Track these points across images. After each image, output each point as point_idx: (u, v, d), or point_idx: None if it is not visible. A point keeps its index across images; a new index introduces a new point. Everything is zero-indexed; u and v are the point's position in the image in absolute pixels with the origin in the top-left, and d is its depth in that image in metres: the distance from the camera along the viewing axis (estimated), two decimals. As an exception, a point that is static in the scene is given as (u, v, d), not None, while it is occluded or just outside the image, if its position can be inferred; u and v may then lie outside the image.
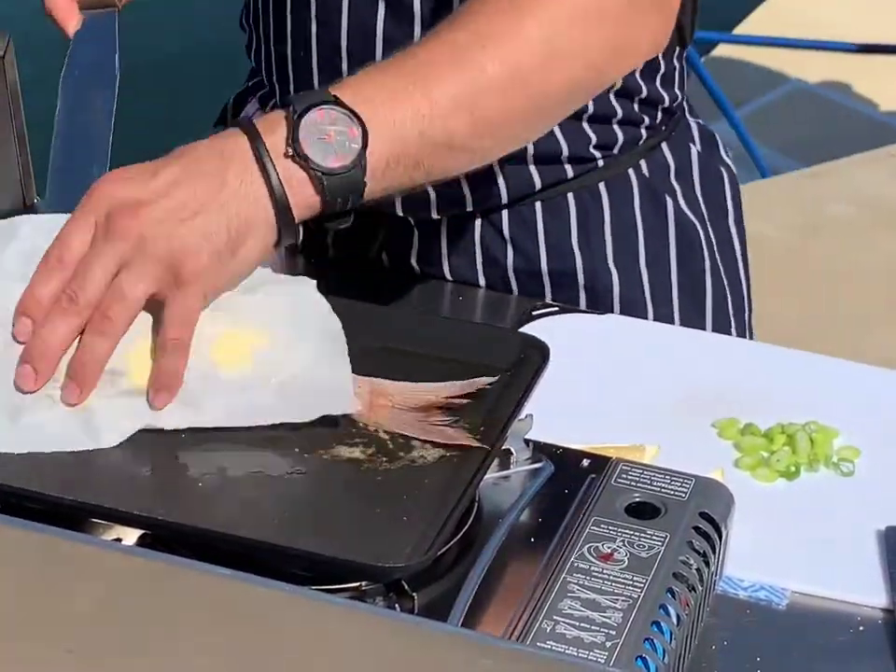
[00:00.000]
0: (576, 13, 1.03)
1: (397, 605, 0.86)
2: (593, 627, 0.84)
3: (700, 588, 0.89)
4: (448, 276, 1.30)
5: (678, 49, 1.27)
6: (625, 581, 0.87)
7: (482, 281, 1.30)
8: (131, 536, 0.89)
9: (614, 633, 0.84)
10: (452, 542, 0.89)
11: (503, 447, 0.96)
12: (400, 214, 1.28)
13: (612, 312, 1.29)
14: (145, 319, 0.93)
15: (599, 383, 1.16)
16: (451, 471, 0.92)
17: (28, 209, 1.36)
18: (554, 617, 0.85)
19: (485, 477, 0.93)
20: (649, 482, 0.95)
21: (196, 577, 0.79)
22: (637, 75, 1.25)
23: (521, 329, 1.18)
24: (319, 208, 0.96)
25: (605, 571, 0.88)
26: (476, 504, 0.93)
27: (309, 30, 1.24)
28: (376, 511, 0.89)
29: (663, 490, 0.94)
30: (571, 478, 0.96)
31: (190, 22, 3.84)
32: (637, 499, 0.94)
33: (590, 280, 1.29)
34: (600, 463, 0.97)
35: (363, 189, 0.96)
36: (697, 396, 1.15)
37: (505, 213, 1.28)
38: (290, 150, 0.94)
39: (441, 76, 1.00)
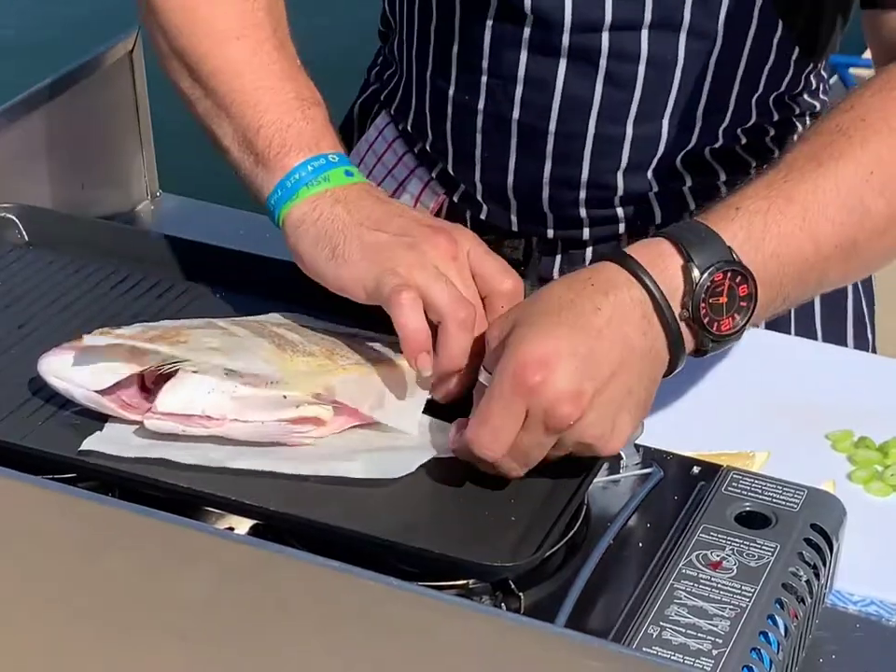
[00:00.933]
0: None
1: (503, 604, 0.86)
2: (699, 635, 0.84)
3: (809, 600, 0.89)
4: None
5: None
6: (734, 590, 0.87)
7: None
8: (243, 526, 0.90)
9: (721, 641, 0.83)
10: (560, 544, 0.89)
11: (613, 451, 0.96)
12: (550, 237, 1.29)
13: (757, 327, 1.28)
14: None
15: (712, 390, 1.16)
16: (560, 475, 0.92)
17: (152, 201, 1.39)
18: (661, 623, 0.85)
19: (595, 481, 0.93)
20: (760, 491, 0.94)
21: (308, 568, 0.80)
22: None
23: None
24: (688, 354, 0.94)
25: (713, 579, 0.87)
26: (585, 507, 0.93)
27: (479, 80, 1.24)
28: (485, 511, 0.90)
29: (774, 500, 0.93)
30: (681, 484, 0.96)
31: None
32: (748, 508, 0.93)
33: None
34: (711, 470, 0.97)
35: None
36: (811, 407, 1.14)
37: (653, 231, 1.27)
38: (686, 313, 0.91)
39: (829, 217, 0.96)
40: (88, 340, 0.94)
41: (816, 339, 1.31)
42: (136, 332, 0.95)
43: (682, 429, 1.05)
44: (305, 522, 0.87)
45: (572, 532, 0.90)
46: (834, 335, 1.32)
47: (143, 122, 1.36)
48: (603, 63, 1.20)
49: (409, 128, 1.33)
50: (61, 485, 0.86)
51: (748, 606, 0.86)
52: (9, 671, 0.91)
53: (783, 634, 0.85)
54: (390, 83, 1.35)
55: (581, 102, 1.21)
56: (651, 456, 0.98)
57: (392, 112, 1.35)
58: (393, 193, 1.36)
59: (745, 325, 0.94)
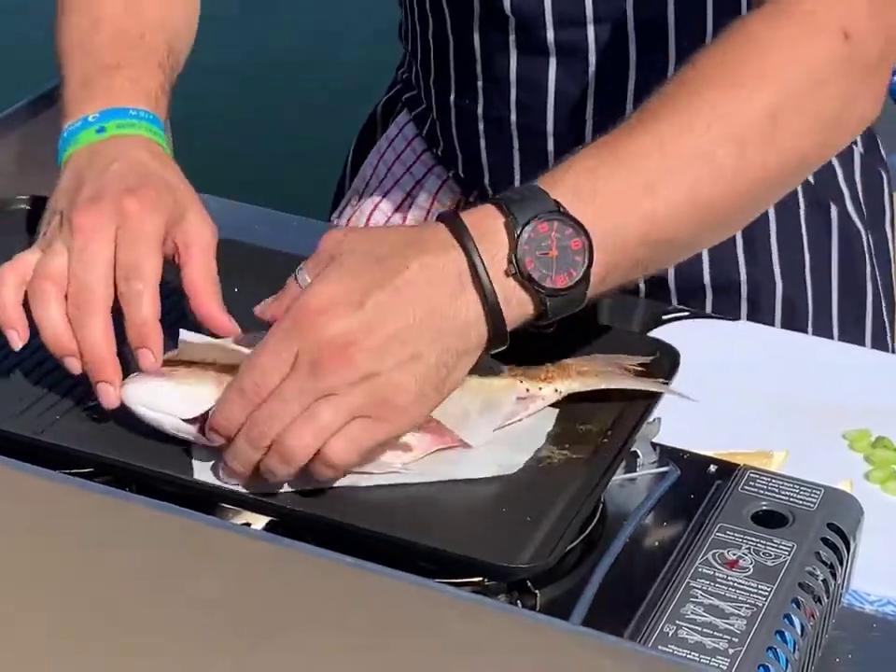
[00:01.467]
0: (798, 87, 0.95)
1: (519, 601, 0.86)
2: (715, 633, 0.84)
3: (826, 600, 0.88)
4: None
5: None
6: (750, 589, 0.86)
7: (642, 288, 1.29)
8: (259, 522, 0.90)
9: (737, 640, 0.83)
10: (576, 542, 0.89)
11: (630, 449, 0.96)
12: None
13: (773, 323, 1.28)
14: None
15: (728, 388, 1.15)
16: (577, 473, 0.92)
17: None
18: (677, 621, 0.84)
19: (611, 479, 0.93)
20: (777, 490, 0.94)
21: (324, 564, 0.80)
22: None
23: (650, 334, 1.18)
24: (533, 321, 0.89)
25: (729, 578, 0.87)
26: (601, 505, 0.93)
27: (475, 85, 1.25)
28: (502, 510, 0.90)
29: (791, 499, 0.93)
30: (697, 483, 0.96)
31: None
32: (765, 507, 0.93)
33: (753, 292, 1.28)
34: (727, 469, 0.96)
35: (584, 302, 0.89)
36: (829, 406, 1.14)
37: None
38: (512, 269, 0.87)
39: (669, 167, 0.91)
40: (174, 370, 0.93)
41: (833, 338, 1.31)
42: (219, 349, 0.93)
43: (699, 428, 1.05)
44: (321, 520, 0.88)
45: (588, 530, 0.90)
46: (853, 335, 1.31)
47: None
48: (592, 58, 1.19)
49: (423, 135, 1.34)
50: (77, 480, 0.87)
51: (764, 605, 0.85)
52: (22, 665, 0.91)
53: (799, 633, 0.85)
54: (412, 86, 1.36)
55: (574, 99, 1.21)
56: (667, 455, 0.98)
57: (412, 115, 1.36)
58: (410, 191, 1.36)
59: (583, 280, 0.88)
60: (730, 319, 1.26)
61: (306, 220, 1.37)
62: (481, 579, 0.86)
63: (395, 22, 1.38)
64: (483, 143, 1.27)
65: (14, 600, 0.90)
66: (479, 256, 0.87)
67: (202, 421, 0.91)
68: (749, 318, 1.29)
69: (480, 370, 0.93)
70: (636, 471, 0.97)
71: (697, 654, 0.82)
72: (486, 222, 0.88)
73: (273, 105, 3.40)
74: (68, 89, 1.07)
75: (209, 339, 0.95)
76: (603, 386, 0.95)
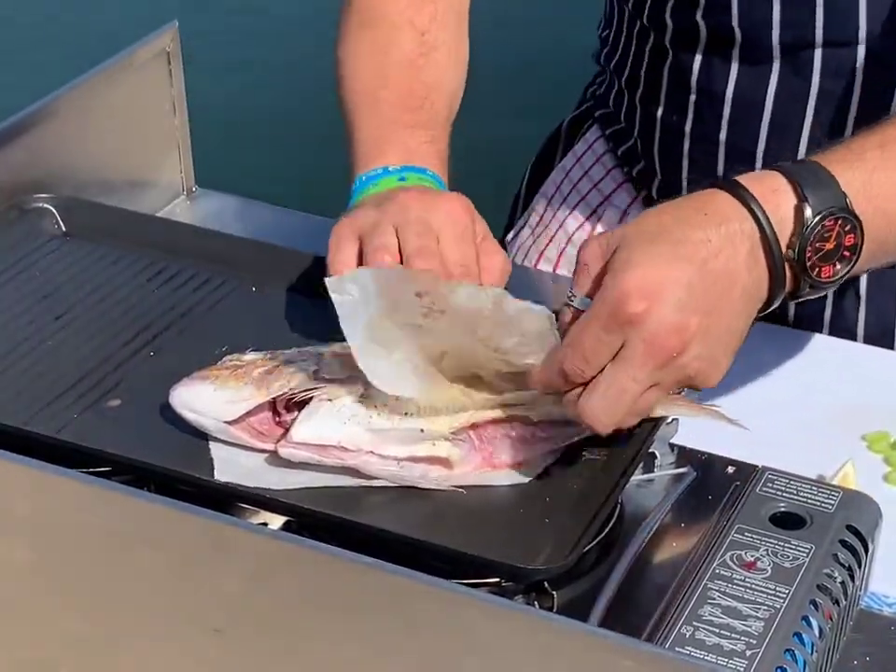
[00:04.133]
0: None
1: (536, 602, 0.86)
2: (733, 635, 0.83)
3: (844, 602, 0.88)
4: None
5: None
6: (768, 591, 0.86)
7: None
8: (276, 522, 0.90)
9: (755, 642, 0.83)
10: (593, 543, 0.89)
11: (648, 451, 0.95)
12: None
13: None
14: None
15: (749, 391, 1.15)
16: (595, 474, 0.92)
17: (188, 196, 1.39)
18: (694, 623, 0.84)
19: (629, 480, 0.93)
20: (795, 492, 0.94)
21: (342, 564, 0.80)
22: None
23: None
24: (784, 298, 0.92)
25: (747, 580, 0.87)
26: (619, 506, 0.93)
27: (687, 98, 1.23)
28: (520, 511, 0.90)
29: (809, 501, 0.93)
30: (715, 484, 0.96)
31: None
32: (783, 509, 0.93)
33: None
34: (745, 470, 0.96)
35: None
36: (848, 407, 1.13)
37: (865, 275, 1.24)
38: (791, 253, 0.89)
39: None
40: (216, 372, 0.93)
41: (856, 339, 1.30)
42: (261, 358, 0.94)
43: (717, 428, 1.05)
44: (339, 520, 0.87)
45: (606, 531, 0.90)
46: (876, 337, 1.31)
47: (179, 118, 1.37)
48: (815, 79, 1.17)
49: (618, 153, 1.31)
50: (96, 479, 0.87)
51: (782, 607, 0.85)
52: (44, 662, 0.91)
53: (817, 635, 0.85)
54: (606, 102, 1.34)
55: (791, 121, 1.19)
56: (685, 456, 0.98)
57: (605, 133, 1.34)
58: (598, 206, 1.34)
59: (845, 275, 0.91)
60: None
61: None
62: (498, 580, 0.86)
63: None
64: (685, 163, 1.25)
65: (31, 596, 0.90)
66: (772, 229, 0.88)
67: (243, 423, 0.91)
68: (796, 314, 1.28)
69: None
70: (654, 472, 0.97)
71: (715, 656, 0.82)
72: (777, 198, 0.89)
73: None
74: (361, 141, 1.10)
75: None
76: (661, 414, 0.94)
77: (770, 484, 0.94)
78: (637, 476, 0.95)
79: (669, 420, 0.97)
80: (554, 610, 0.86)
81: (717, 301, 0.87)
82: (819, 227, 0.89)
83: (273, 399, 0.92)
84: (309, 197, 1.87)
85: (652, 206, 0.92)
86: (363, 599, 0.81)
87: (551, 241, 1.36)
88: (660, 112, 1.26)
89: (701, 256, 0.87)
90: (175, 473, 0.90)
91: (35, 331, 1.03)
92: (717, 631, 0.84)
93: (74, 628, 0.89)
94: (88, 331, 1.03)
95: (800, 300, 0.93)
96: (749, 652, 0.82)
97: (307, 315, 1.06)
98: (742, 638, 0.83)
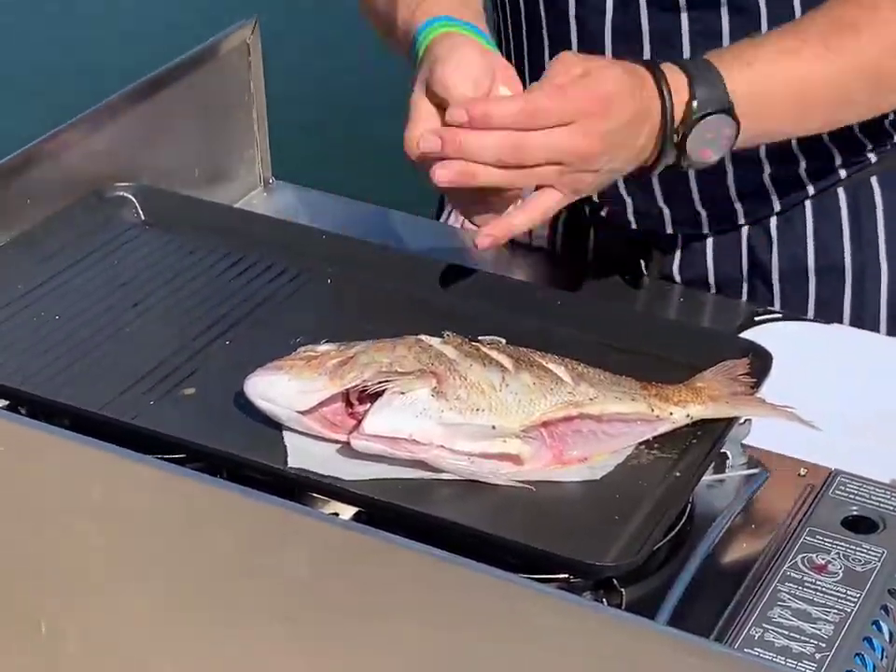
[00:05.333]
0: None
1: (604, 599, 0.86)
2: (802, 638, 0.83)
3: (916, 607, 0.88)
4: (712, 282, 1.30)
5: None
6: (838, 594, 0.86)
7: (745, 285, 1.29)
8: (347, 512, 0.91)
9: (824, 645, 0.82)
10: (663, 541, 0.89)
11: (720, 451, 0.95)
12: (670, 232, 1.29)
13: (879, 306, 1.27)
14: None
15: (819, 393, 1.14)
16: (666, 473, 0.92)
17: (265, 188, 1.40)
18: (763, 624, 0.84)
19: (700, 480, 0.93)
20: (867, 496, 0.93)
21: (412, 556, 0.81)
22: None
23: (743, 335, 1.17)
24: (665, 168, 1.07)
25: (818, 583, 0.87)
26: (690, 506, 0.93)
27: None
28: (590, 507, 0.90)
29: (882, 505, 0.92)
30: (787, 486, 0.95)
31: None
32: (855, 513, 0.92)
33: (858, 274, 1.27)
34: (818, 473, 0.96)
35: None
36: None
37: (773, 218, 1.27)
38: (677, 138, 1.04)
39: (822, 82, 1.10)
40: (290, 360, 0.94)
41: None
42: (335, 349, 0.94)
43: (790, 429, 1.04)
44: (409, 511, 0.88)
45: (676, 530, 0.90)
46: None
47: (258, 110, 1.37)
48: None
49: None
50: (170, 465, 0.88)
51: (852, 611, 0.85)
52: (116, 645, 0.92)
53: (888, 640, 0.84)
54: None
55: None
56: (757, 457, 0.97)
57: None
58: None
59: (718, 158, 1.07)
60: (825, 322, 1.25)
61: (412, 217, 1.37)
62: (567, 575, 0.86)
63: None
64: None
65: (104, 579, 0.91)
66: (672, 122, 1.04)
67: (316, 413, 0.92)
68: (853, 305, 1.27)
69: (615, 390, 0.94)
70: (725, 473, 0.96)
71: (784, 658, 0.82)
72: (678, 89, 1.05)
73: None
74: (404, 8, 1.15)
75: None
76: (734, 414, 0.95)
77: (843, 487, 0.94)
78: (709, 476, 0.95)
79: (742, 421, 0.96)
80: (623, 608, 0.86)
81: (629, 117, 1.02)
82: (703, 125, 1.05)
83: (346, 390, 0.92)
84: (384, 190, 1.87)
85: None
86: (431, 591, 0.82)
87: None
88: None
89: (625, 105, 1.02)
90: (248, 461, 0.91)
91: (113, 318, 1.05)
92: (786, 633, 0.83)
93: (145, 612, 0.90)
94: (164, 319, 1.04)
95: (682, 169, 1.08)
96: (818, 655, 0.82)
97: (381, 308, 1.06)
98: (811, 641, 0.83)
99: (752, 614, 0.85)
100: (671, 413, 0.94)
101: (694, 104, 1.04)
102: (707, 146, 1.06)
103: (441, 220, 1.43)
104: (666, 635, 0.78)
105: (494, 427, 0.91)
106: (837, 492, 0.94)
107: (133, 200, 1.17)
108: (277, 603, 0.85)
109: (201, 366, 1.00)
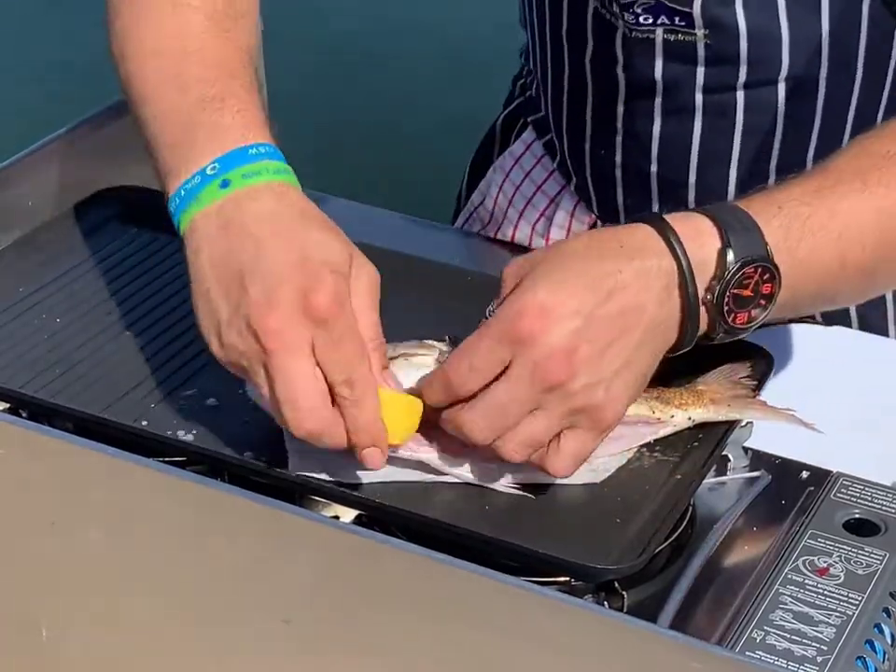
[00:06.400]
0: None
1: (606, 602, 0.86)
2: (804, 641, 0.83)
3: (917, 611, 0.88)
4: None
5: None
6: (840, 597, 0.86)
7: None
8: (348, 515, 0.91)
9: (826, 648, 0.82)
10: (665, 544, 0.89)
11: (721, 454, 0.95)
12: None
13: (886, 309, 1.27)
14: None
15: (821, 395, 1.14)
16: (667, 476, 0.92)
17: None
18: (765, 627, 0.84)
19: (702, 482, 0.93)
20: (869, 498, 0.93)
21: (413, 559, 0.81)
22: None
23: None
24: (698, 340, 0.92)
25: (819, 585, 0.87)
26: (691, 509, 0.93)
27: (613, 138, 1.24)
28: (591, 510, 0.90)
29: (884, 508, 0.92)
30: (789, 489, 0.95)
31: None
32: (857, 515, 0.92)
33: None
34: (820, 476, 0.96)
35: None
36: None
37: None
38: (709, 296, 0.89)
39: (862, 242, 0.93)
40: None
41: None
42: None
43: (792, 434, 1.04)
44: (410, 515, 0.88)
45: (678, 533, 0.90)
46: None
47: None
48: (740, 118, 1.19)
49: (555, 163, 1.32)
50: (171, 468, 0.88)
51: (854, 613, 0.85)
52: (114, 647, 0.92)
53: (890, 643, 0.84)
54: (538, 109, 1.33)
55: (719, 155, 1.20)
56: (759, 459, 0.97)
57: (541, 139, 1.34)
58: (545, 209, 1.34)
59: (758, 323, 0.91)
60: (825, 325, 1.25)
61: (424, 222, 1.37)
62: (568, 578, 0.86)
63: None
64: (619, 189, 1.25)
65: (103, 582, 0.91)
66: (690, 269, 0.88)
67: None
68: (858, 308, 1.27)
69: None
70: (726, 475, 0.96)
71: (785, 661, 0.82)
72: (701, 240, 0.89)
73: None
74: (165, 135, 0.95)
75: None
76: (736, 416, 0.95)
77: (844, 490, 0.94)
78: (710, 479, 0.95)
79: (743, 423, 0.96)
80: (624, 611, 0.86)
81: (619, 333, 0.86)
82: (740, 273, 0.89)
83: None
84: (384, 193, 1.87)
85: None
86: (431, 595, 0.82)
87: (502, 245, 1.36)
88: (587, 146, 1.26)
89: (607, 287, 0.86)
90: (250, 465, 0.91)
91: (115, 321, 1.05)
92: (788, 636, 0.83)
93: (144, 615, 0.90)
94: (166, 321, 1.04)
95: (713, 342, 0.91)
96: (819, 659, 0.82)
97: (382, 310, 1.06)
98: (813, 644, 0.83)
99: (754, 617, 0.85)
100: (672, 416, 0.94)
101: (729, 253, 0.88)
102: (744, 307, 0.90)
103: (457, 225, 1.42)
104: (668, 638, 0.78)
105: None
106: (839, 495, 0.94)
107: (135, 202, 1.17)
108: (279, 606, 0.85)
109: (202, 369, 1.00)
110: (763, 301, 0.90)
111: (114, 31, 1.03)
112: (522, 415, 0.86)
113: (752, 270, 0.89)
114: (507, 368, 0.85)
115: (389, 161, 3.02)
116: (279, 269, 0.86)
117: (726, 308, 0.89)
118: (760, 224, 0.90)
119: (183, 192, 0.92)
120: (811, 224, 0.92)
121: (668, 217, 0.90)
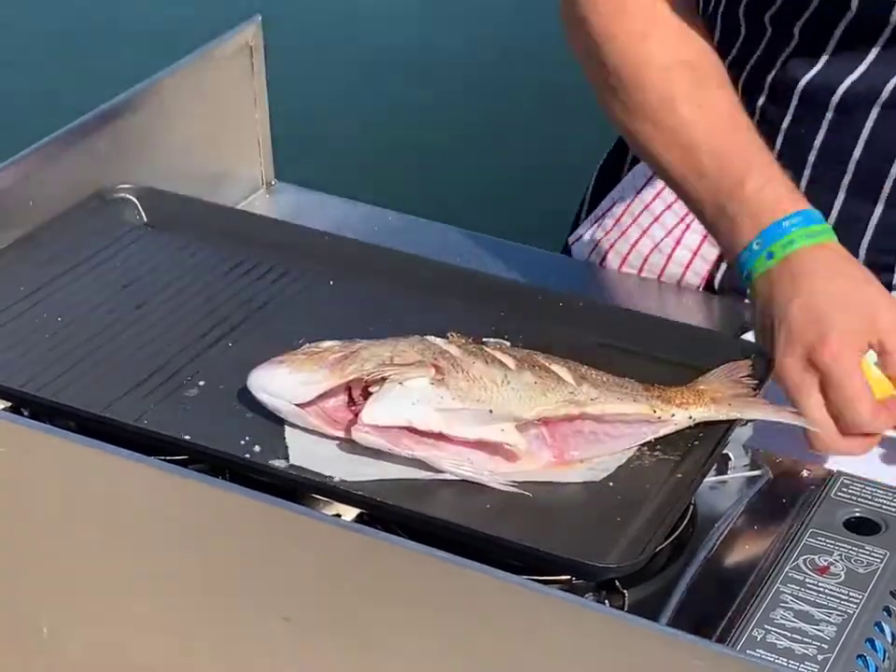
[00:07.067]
0: None
1: (607, 600, 0.86)
2: (805, 639, 0.83)
3: (918, 609, 0.88)
4: (716, 284, 1.28)
5: None
6: (841, 596, 0.86)
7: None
8: (349, 514, 0.91)
9: (827, 647, 0.82)
10: (665, 543, 0.89)
11: (722, 452, 0.95)
12: None
13: None
14: None
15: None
16: (668, 475, 0.92)
17: (268, 190, 1.40)
18: (766, 626, 0.84)
19: (703, 481, 0.93)
20: (870, 497, 0.93)
21: (414, 557, 0.81)
22: None
23: (745, 336, 1.17)
24: None
25: (820, 584, 0.87)
26: (692, 507, 0.93)
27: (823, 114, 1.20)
28: (592, 509, 0.90)
29: (884, 506, 0.92)
30: (790, 487, 0.96)
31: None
32: (857, 514, 0.92)
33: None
34: (820, 474, 0.96)
35: None
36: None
37: None
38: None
39: None
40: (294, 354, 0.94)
41: None
42: (337, 345, 0.95)
43: (793, 433, 1.04)
44: (411, 513, 0.88)
45: (678, 532, 0.90)
46: None
47: (260, 112, 1.37)
48: None
49: None
50: (172, 466, 0.88)
51: (855, 612, 0.85)
52: (114, 645, 0.92)
53: (890, 641, 0.84)
54: None
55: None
56: (760, 458, 0.97)
57: None
58: (672, 229, 1.31)
59: None
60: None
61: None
62: (569, 577, 0.86)
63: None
64: (807, 172, 1.22)
65: (104, 580, 0.91)
66: None
67: (317, 408, 0.92)
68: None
69: (617, 391, 0.94)
70: (727, 474, 0.96)
71: (786, 659, 0.82)
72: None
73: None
74: (713, 198, 1.08)
75: None
76: (736, 416, 0.95)
77: (845, 489, 0.94)
78: (711, 477, 0.95)
79: (744, 422, 0.96)
80: (625, 609, 0.86)
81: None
82: None
83: (349, 386, 0.92)
84: (387, 192, 1.87)
85: None
86: (432, 593, 0.82)
87: (645, 262, 1.34)
88: (786, 123, 1.21)
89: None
90: (251, 463, 0.91)
91: (116, 320, 1.05)
92: (788, 635, 0.83)
93: (147, 615, 0.90)
94: (167, 321, 1.05)
95: None
96: (820, 657, 0.82)
97: (384, 310, 1.06)
98: (814, 643, 0.83)
99: (755, 616, 0.85)
100: (673, 415, 0.94)
101: None
102: None
103: (579, 232, 1.39)
104: (669, 636, 0.78)
105: (491, 412, 0.91)
106: (839, 493, 0.94)
107: (136, 201, 1.17)
108: (279, 604, 0.85)
109: (203, 368, 1.00)
110: None
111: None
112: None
113: None
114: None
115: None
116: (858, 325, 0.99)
117: None
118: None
119: (742, 259, 1.06)
120: None
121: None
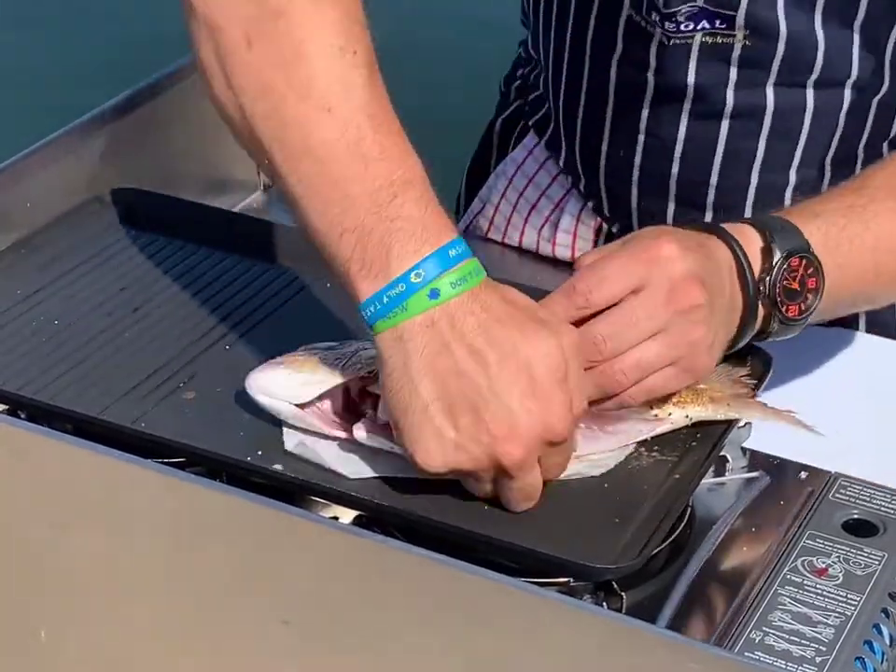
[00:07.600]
0: None
1: (605, 602, 0.86)
2: (803, 641, 0.83)
3: (916, 610, 0.88)
4: None
5: None
6: (839, 598, 0.86)
7: None
8: (347, 516, 0.91)
9: (825, 649, 0.82)
10: (663, 545, 0.89)
11: (720, 454, 0.95)
12: None
13: (893, 311, 1.26)
14: None
15: (821, 396, 1.14)
16: (666, 476, 0.92)
17: (264, 192, 1.40)
18: (764, 628, 0.84)
19: (700, 483, 0.93)
20: (868, 499, 0.93)
21: (411, 559, 0.81)
22: None
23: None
24: (752, 337, 0.98)
25: (818, 586, 0.87)
26: (690, 509, 0.93)
27: (636, 139, 1.22)
28: (590, 510, 0.90)
29: (882, 508, 0.92)
30: (788, 489, 0.95)
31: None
32: (855, 516, 0.92)
33: None
34: (819, 476, 0.96)
35: (797, 332, 0.98)
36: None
37: None
38: (763, 289, 0.95)
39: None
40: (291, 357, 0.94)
41: None
42: (336, 346, 0.95)
43: (791, 435, 1.04)
44: (408, 515, 0.88)
45: (676, 533, 0.90)
46: None
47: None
48: (768, 119, 1.18)
49: (561, 163, 1.30)
50: (170, 469, 0.88)
51: (853, 614, 0.85)
52: (114, 648, 0.92)
53: (888, 644, 0.84)
54: (538, 110, 1.32)
55: (743, 156, 1.20)
56: (758, 460, 0.97)
57: (544, 141, 1.32)
58: (549, 214, 1.33)
59: (808, 316, 0.97)
60: (826, 326, 1.25)
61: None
62: (567, 579, 0.86)
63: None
64: (635, 190, 1.25)
65: (102, 583, 0.91)
66: (749, 262, 0.95)
67: (316, 408, 0.92)
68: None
69: None
70: (725, 476, 0.96)
71: (784, 662, 0.82)
72: (745, 239, 0.96)
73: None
74: (349, 220, 0.88)
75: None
76: (735, 416, 0.95)
77: (843, 491, 0.94)
78: (709, 479, 0.95)
79: (742, 424, 0.96)
80: (623, 611, 0.86)
81: (718, 292, 0.92)
82: (786, 264, 0.95)
83: (348, 387, 0.92)
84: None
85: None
86: (431, 595, 0.82)
87: (519, 247, 1.35)
88: (604, 147, 1.25)
89: (704, 251, 0.94)
90: (248, 465, 0.91)
91: (113, 323, 1.05)
92: (786, 637, 0.83)
93: (146, 619, 0.90)
94: (164, 324, 1.05)
95: (768, 339, 0.97)
96: (818, 659, 0.82)
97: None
98: (812, 645, 0.83)
99: (753, 618, 0.85)
100: (670, 414, 0.94)
101: (774, 248, 0.95)
102: (794, 300, 0.96)
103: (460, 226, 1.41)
104: (667, 638, 0.78)
105: None
106: (838, 495, 0.94)
107: (133, 204, 1.18)
108: (278, 607, 0.85)
109: (200, 370, 1.00)
110: (809, 296, 0.96)
111: None
112: (648, 334, 0.90)
113: (797, 261, 0.95)
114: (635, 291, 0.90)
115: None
116: (514, 403, 0.84)
117: (779, 300, 0.95)
118: (799, 226, 0.97)
119: (387, 301, 0.86)
120: (847, 233, 0.99)
121: (710, 222, 0.97)
